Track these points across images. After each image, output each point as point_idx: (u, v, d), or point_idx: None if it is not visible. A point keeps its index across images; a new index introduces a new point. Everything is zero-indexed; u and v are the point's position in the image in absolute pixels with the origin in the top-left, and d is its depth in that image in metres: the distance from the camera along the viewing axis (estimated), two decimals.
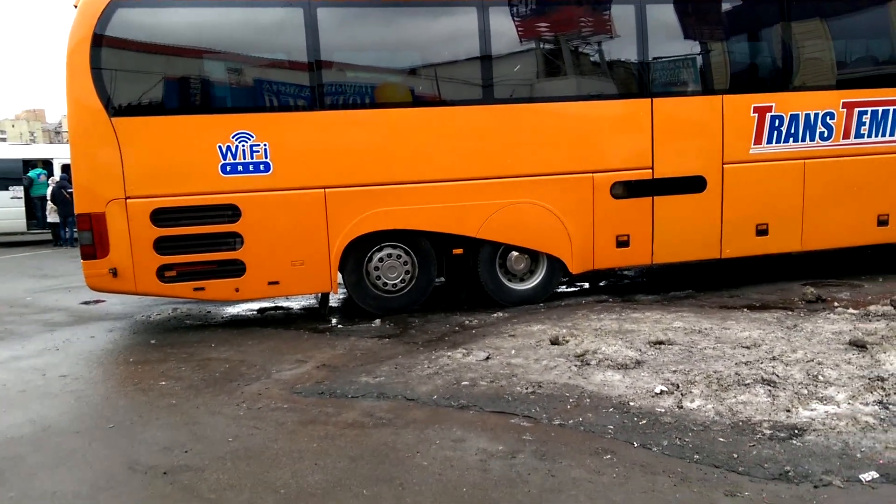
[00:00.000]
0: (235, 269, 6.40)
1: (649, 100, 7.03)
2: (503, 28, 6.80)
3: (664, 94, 7.14)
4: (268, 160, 6.32)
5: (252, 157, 6.29)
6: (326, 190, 6.48)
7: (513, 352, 5.27)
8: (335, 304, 7.76)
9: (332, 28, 6.48)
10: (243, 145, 6.27)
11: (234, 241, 6.39)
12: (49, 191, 14.93)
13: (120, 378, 5.31)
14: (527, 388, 4.46)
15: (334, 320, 6.98)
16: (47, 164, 16.11)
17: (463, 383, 4.63)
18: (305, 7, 6.32)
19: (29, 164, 16.15)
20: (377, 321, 6.62)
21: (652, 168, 7.06)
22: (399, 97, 6.91)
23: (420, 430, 3.92)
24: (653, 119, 7.02)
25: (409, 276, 6.89)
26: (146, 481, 3.44)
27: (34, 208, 15.77)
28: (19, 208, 15.64)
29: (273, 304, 7.75)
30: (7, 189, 15.61)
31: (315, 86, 6.47)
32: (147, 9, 6.22)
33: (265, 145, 6.31)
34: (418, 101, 6.88)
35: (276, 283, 6.52)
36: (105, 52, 6.00)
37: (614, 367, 4.73)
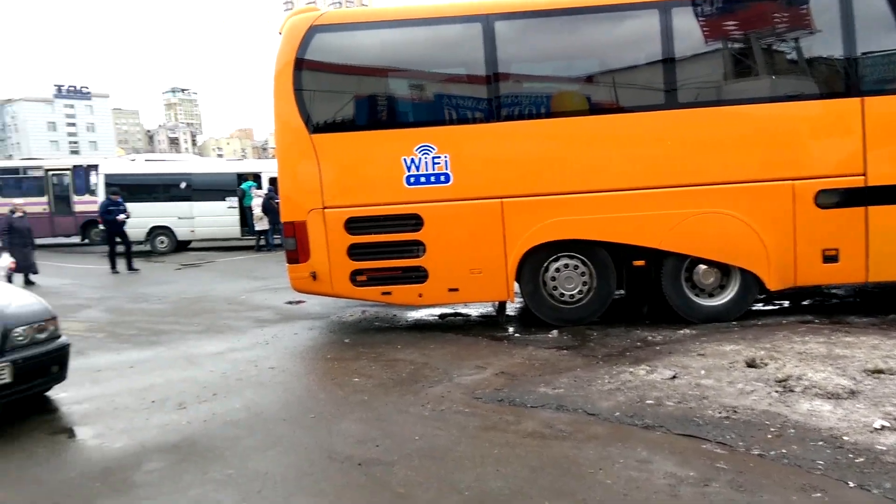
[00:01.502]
0: (419, 275, 6.72)
1: (859, 99, 6.27)
2: (687, 29, 6.47)
3: (878, 93, 6.31)
4: (448, 171, 6.57)
5: (434, 169, 6.58)
6: (503, 200, 6.58)
7: (702, 372, 4.95)
8: (512, 313, 7.84)
9: (509, 40, 6.59)
10: (426, 157, 6.58)
11: (417, 248, 6.72)
12: (257, 201, 16.75)
13: (320, 373, 5.81)
14: (719, 413, 4.16)
15: (511, 329, 7.05)
16: (256, 178, 18.15)
17: (647, 402, 4.44)
18: (483, 21, 6.49)
19: (241, 177, 18.31)
20: (554, 332, 6.58)
21: (864, 174, 6.29)
22: (576, 106, 6.83)
23: (602, 446, 3.83)
24: (864, 120, 6.26)
25: (586, 287, 6.77)
26: (343, 470, 3.72)
27: (247, 216, 17.83)
28: (234, 216, 17.78)
29: (453, 311, 8.02)
30: (224, 199, 17.82)
31: (493, 98, 6.61)
32: (340, 32, 6.74)
33: (446, 157, 6.56)
34: (596, 109, 6.75)
35: (456, 290, 6.74)
36: (305, 75, 6.61)
37: (823, 396, 4.26)
